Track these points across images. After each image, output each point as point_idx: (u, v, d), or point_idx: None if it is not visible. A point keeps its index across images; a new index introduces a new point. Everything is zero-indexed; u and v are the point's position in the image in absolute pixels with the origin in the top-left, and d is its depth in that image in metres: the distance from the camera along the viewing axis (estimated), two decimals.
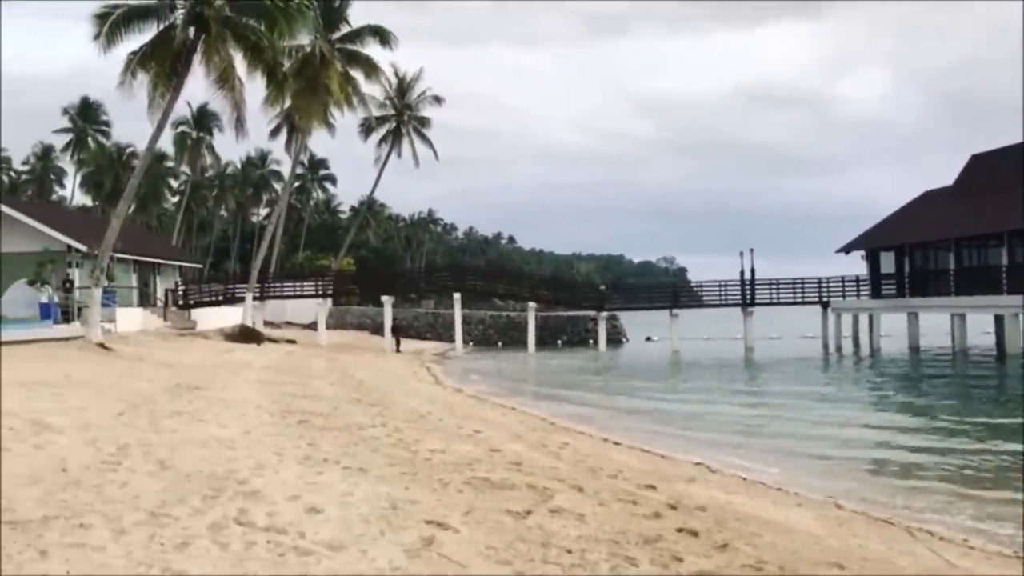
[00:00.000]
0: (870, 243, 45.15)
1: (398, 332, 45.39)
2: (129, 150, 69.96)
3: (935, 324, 41.94)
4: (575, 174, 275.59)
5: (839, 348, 44.09)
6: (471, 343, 50.90)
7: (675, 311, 45.91)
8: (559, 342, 52.31)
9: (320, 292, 48.52)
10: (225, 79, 31.02)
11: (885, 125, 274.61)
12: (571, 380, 30.28)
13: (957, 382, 28.65)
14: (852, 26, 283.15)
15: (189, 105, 67.29)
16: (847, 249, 46.02)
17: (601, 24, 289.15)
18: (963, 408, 21.28)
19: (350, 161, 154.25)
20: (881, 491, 11.56)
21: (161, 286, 46.60)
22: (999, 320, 38.07)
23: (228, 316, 43.76)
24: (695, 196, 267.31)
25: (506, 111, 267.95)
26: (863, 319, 45.30)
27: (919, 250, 42.15)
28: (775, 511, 9.32)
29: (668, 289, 54.48)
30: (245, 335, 37.57)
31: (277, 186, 79.99)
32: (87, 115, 73.75)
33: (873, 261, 45.12)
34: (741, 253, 46.70)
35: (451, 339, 47.19)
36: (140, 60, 30.12)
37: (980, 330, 41.26)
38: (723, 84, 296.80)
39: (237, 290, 47.11)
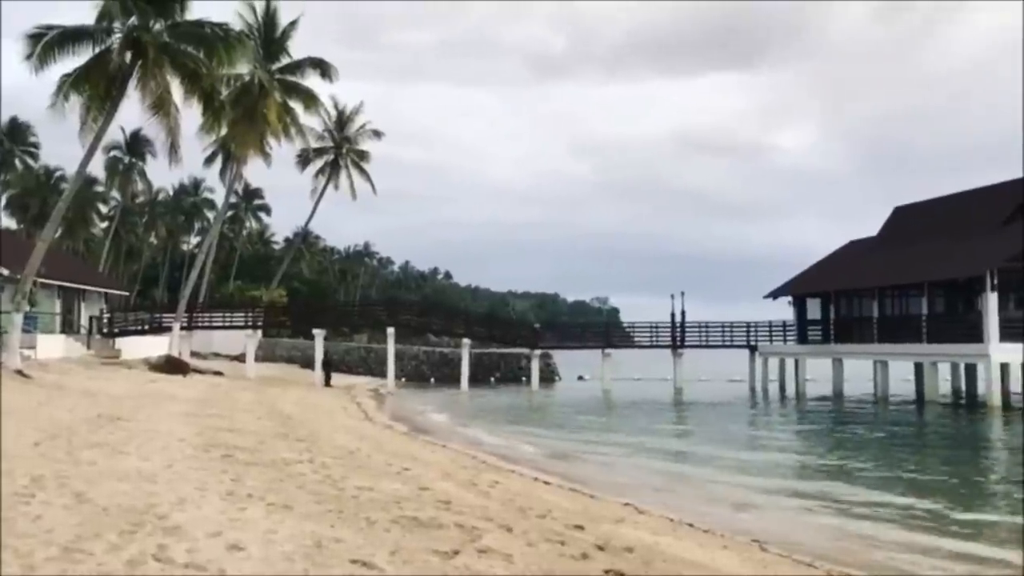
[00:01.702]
0: (797, 289, 46.20)
1: (329, 366, 44.80)
2: (58, 173, 68.30)
3: (859, 370, 42.97)
4: (514, 212, 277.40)
5: (765, 392, 44.89)
6: (403, 379, 50.51)
7: (607, 351, 46.32)
8: (492, 379, 52.24)
9: (250, 323, 47.71)
10: (161, 105, 30.64)
11: (814, 175, 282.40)
12: (504, 417, 30.28)
13: (878, 431, 29.29)
14: (783, 78, 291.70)
15: (122, 130, 66.11)
16: (775, 295, 47.01)
17: (543, 67, 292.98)
18: (882, 456, 21.80)
19: (286, 192, 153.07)
20: (806, 534, 11.75)
21: (86, 313, 45.36)
22: (919, 368, 39.18)
23: (154, 345, 42.76)
24: (629, 238, 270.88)
25: (448, 148, 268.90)
26: (789, 364, 46.21)
27: (844, 298, 43.24)
28: (701, 553, 9.40)
29: (601, 329, 54.91)
30: (171, 365, 36.73)
31: (210, 214, 78.74)
32: (15, 136, 71.77)
33: (800, 307, 46.14)
34: (672, 295, 47.48)
35: (383, 374, 46.77)
36: (74, 82, 29.58)
37: (901, 377, 42.40)
38: (659, 130, 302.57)
39: (164, 319, 46.10)
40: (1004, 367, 34.87)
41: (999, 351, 32.67)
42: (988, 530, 12.38)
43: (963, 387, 41.25)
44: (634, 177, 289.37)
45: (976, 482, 17.36)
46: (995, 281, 32.86)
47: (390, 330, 45.71)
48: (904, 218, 44.36)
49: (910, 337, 37.13)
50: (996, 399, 32.54)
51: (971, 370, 40.31)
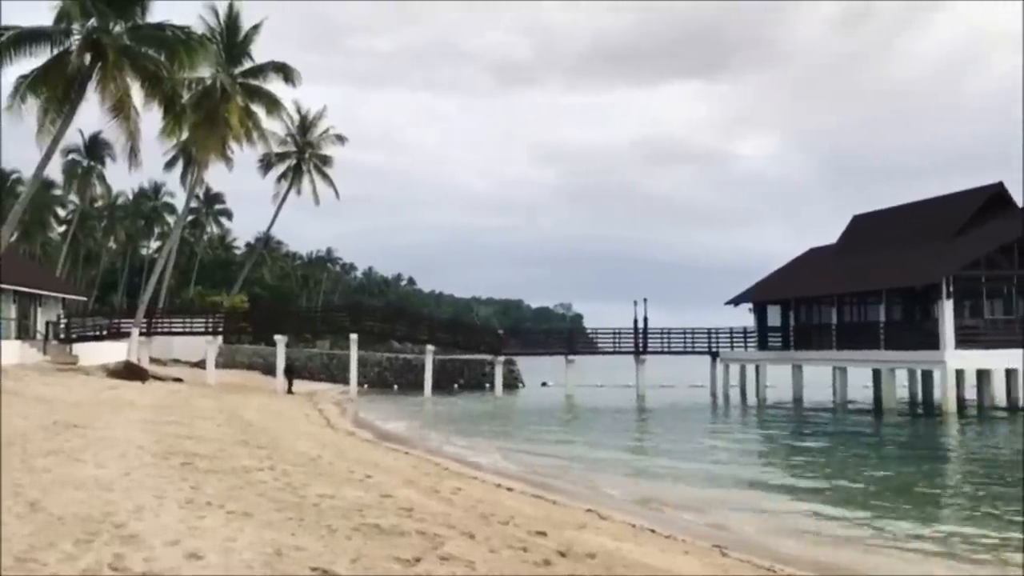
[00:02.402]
0: (758, 296, 46.70)
1: (291, 373, 44.47)
2: (14, 176, 67.07)
3: (818, 376, 43.51)
4: (478, 218, 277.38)
5: (726, 397, 45.28)
6: (366, 385, 50.27)
7: (571, 357, 46.49)
8: (456, 386, 52.16)
9: (210, 329, 47.22)
10: (120, 108, 30.32)
11: (775, 183, 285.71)
12: (467, 424, 30.27)
13: (836, 438, 29.64)
14: (745, 87, 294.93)
15: (81, 133, 65.18)
16: (736, 301, 47.47)
17: (508, 75, 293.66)
18: (846, 465, 22.07)
19: (247, 196, 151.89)
20: (766, 539, 11.88)
21: (42, 318, 44.60)
22: (877, 374, 39.79)
23: (113, 352, 42.13)
24: (593, 244, 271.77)
25: (412, 154, 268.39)
26: (750, 370, 46.67)
27: (804, 305, 43.79)
28: (662, 558, 9.45)
29: (564, 335, 55.03)
30: (129, 372, 36.20)
31: (170, 219, 77.84)
32: None
33: (760, 314, 46.65)
34: (635, 302, 47.82)
35: (346, 381, 46.48)
36: (31, 84, 29.19)
37: (859, 383, 42.98)
38: (623, 137, 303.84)
39: (123, 325, 45.46)
40: (959, 373, 35.53)
41: (954, 358, 33.27)
42: (951, 539, 12.57)
43: (920, 393, 41.95)
44: (598, 184, 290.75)
45: (931, 491, 17.62)
46: (951, 289, 33.48)
47: (353, 336, 45.46)
48: (862, 227, 45.05)
49: (868, 344, 37.69)
50: (952, 405, 33.12)
51: (927, 376, 41.04)
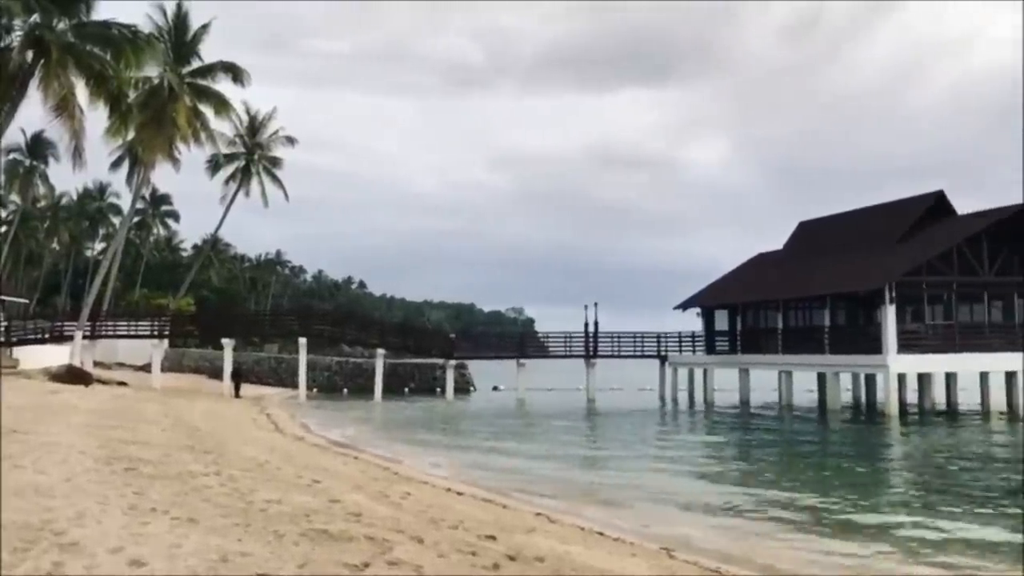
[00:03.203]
0: (706, 301, 47.23)
1: (238, 377, 43.93)
2: None
3: (764, 380, 44.14)
4: (431, 222, 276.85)
5: (675, 401, 45.72)
6: (316, 389, 49.83)
7: (522, 361, 46.56)
8: (406, 390, 51.92)
9: (156, 333, 46.47)
10: (64, 107, 29.76)
11: (724, 189, 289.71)
12: (417, 428, 30.18)
13: (782, 440, 30.08)
14: (695, 95, 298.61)
15: (23, 131, 63.79)
16: (684, 306, 47.97)
17: (461, 79, 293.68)
18: (786, 467, 22.41)
19: (195, 198, 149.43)
20: (713, 541, 12.03)
21: None
22: (821, 378, 40.48)
23: (55, 355, 41.29)
24: (545, 249, 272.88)
25: (364, 156, 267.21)
26: (698, 373, 47.18)
27: (751, 309, 44.39)
28: (610, 561, 9.52)
29: (516, 339, 55.09)
30: (72, 376, 35.48)
31: (115, 220, 76.53)
32: None
33: (708, 318, 47.18)
34: (586, 306, 48.10)
35: (295, 385, 46.04)
36: None
37: (804, 387, 43.71)
38: (575, 143, 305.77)
39: (66, 328, 44.55)
40: (901, 377, 36.28)
41: (897, 362, 33.97)
42: (881, 534, 12.84)
43: (863, 397, 42.77)
44: (550, 189, 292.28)
45: (873, 490, 17.98)
46: (893, 294, 34.18)
47: (302, 340, 45.04)
48: (808, 233, 45.83)
49: (813, 348, 38.33)
50: (894, 408, 33.80)
51: (871, 380, 41.86)
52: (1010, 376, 36.80)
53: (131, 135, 42.48)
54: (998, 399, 36.50)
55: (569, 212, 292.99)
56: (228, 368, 44.38)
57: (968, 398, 38.69)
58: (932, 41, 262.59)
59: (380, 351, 46.15)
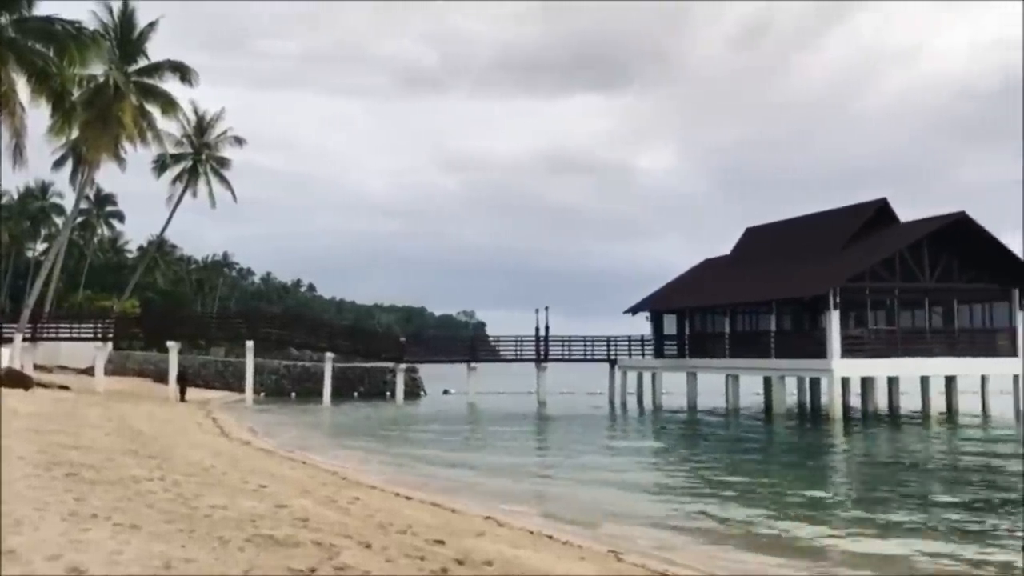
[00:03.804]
0: (655, 305, 47.63)
1: (184, 380, 43.25)
2: None
3: (712, 384, 44.64)
4: (381, 224, 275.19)
5: (624, 404, 46.05)
6: (263, 393, 49.27)
7: (473, 364, 46.51)
8: (356, 394, 51.55)
9: (100, 335, 45.55)
10: (5, 104, 29.12)
11: (674, 195, 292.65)
12: (365, 433, 30.01)
13: (728, 442, 30.45)
14: (646, 101, 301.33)
15: None
16: (634, 310, 48.32)
17: (413, 81, 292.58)
18: (736, 469, 22.68)
19: (141, 198, 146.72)
20: (664, 543, 12.13)
21: None
22: (767, 382, 41.08)
23: None
24: (497, 252, 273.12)
25: (315, 158, 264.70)
26: (647, 377, 47.57)
27: (699, 314, 44.86)
28: (559, 564, 9.56)
29: (467, 342, 55.02)
30: (11, 379, 34.57)
31: (58, 220, 74.79)
32: None
33: (657, 322, 47.58)
34: (537, 310, 48.21)
35: (242, 389, 45.46)
36: None
37: (751, 390, 44.30)
38: (526, 147, 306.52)
39: (5, 330, 43.44)
40: (845, 381, 36.94)
41: (841, 366, 34.57)
42: (839, 539, 13.06)
43: (808, 400, 43.48)
44: (502, 193, 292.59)
45: (818, 494, 18.27)
46: (837, 300, 34.80)
47: (249, 343, 44.49)
48: (755, 239, 46.49)
49: (759, 352, 38.88)
50: (838, 412, 34.38)
51: (815, 384, 42.57)
52: (950, 380, 37.72)
53: (75, 134, 41.67)
54: (938, 403, 37.40)
55: (521, 216, 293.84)
56: (173, 371, 43.70)
57: (909, 402, 39.57)
58: (879, 50, 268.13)
59: (329, 355, 45.77)
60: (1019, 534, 13.15)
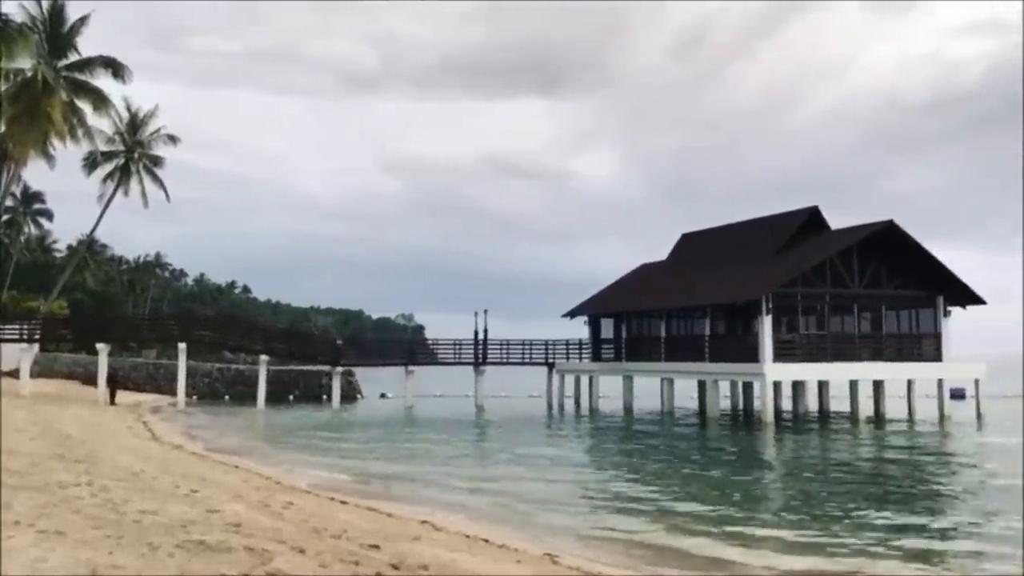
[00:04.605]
0: (593, 309, 47.99)
1: (114, 383, 42.24)
2: None
3: (648, 387, 45.12)
4: (319, 226, 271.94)
5: (562, 407, 46.29)
6: (196, 396, 48.41)
7: (411, 368, 46.31)
8: (291, 397, 50.94)
9: (26, 337, 44.27)
10: None
11: (613, 200, 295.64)
12: (300, 436, 29.69)
13: (661, 446, 30.78)
14: (587, 107, 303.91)
15: None
16: (572, 314, 48.63)
17: (355, 82, 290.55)
18: (668, 471, 22.95)
19: (70, 196, 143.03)
20: (595, 548, 12.22)
21: None
22: (701, 385, 41.67)
23: None
24: (437, 255, 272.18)
25: (252, 158, 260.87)
26: (584, 380, 47.89)
27: (636, 318, 45.31)
28: (495, 568, 9.59)
29: (405, 346, 54.76)
30: None
31: None
32: None
33: (595, 326, 47.94)
34: (476, 313, 48.22)
35: (174, 392, 44.59)
36: None
37: (686, 393, 44.90)
38: (468, 151, 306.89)
39: None
40: (777, 385, 37.67)
41: (772, 370, 35.23)
42: (761, 540, 13.31)
43: (741, 403, 44.22)
44: (442, 196, 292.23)
45: (750, 494, 18.60)
46: (770, 305, 35.48)
47: (181, 345, 43.68)
48: (690, 244, 47.16)
49: (694, 356, 39.44)
50: (769, 415, 35.03)
51: (748, 387, 43.32)
52: (877, 384, 38.70)
53: (1, 129, 40.48)
54: (866, 406, 38.36)
55: (461, 219, 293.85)
56: (103, 374, 42.68)
57: (839, 405, 40.49)
58: (812, 63, 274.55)
59: (263, 357, 45.16)
60: (932, 533, 13.58)
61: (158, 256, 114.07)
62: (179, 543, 8.30)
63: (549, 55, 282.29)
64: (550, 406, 46.85)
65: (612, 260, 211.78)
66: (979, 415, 36.86)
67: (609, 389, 47.02)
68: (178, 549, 8.01)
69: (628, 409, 42.83)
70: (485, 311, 48.13)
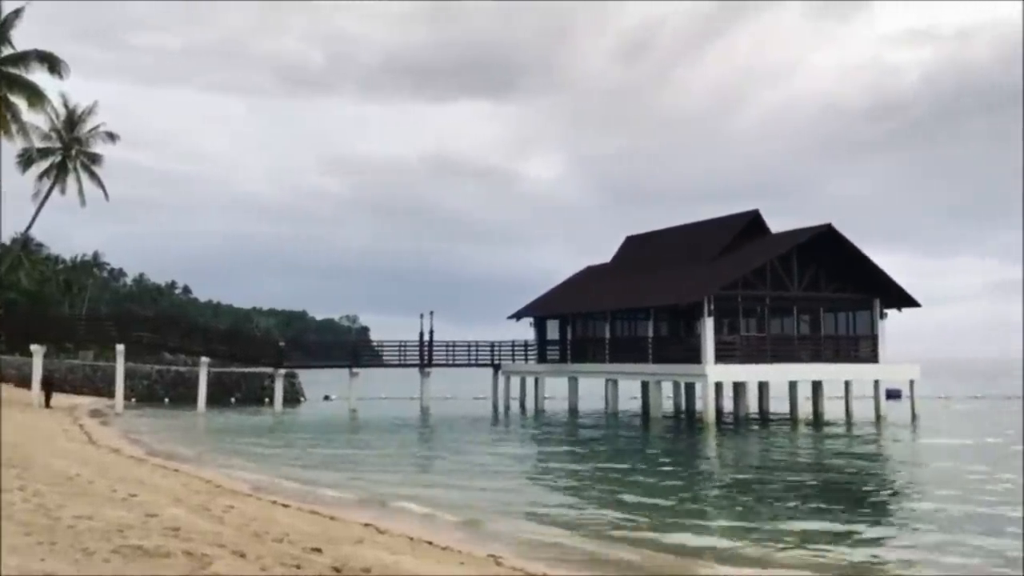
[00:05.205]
0: (538, 311, 48.17)
1: (49, 385, 41.19)
2: None
3: (592, 388, 45.39)
4: (263, 227, 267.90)
5: (507, 409, 46.36)
6: (135, 399, 47.47)
7: (355, 370, 45.94)
8: (233, 400, 50.23)
9: None
10: None
11: (558, 202, 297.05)
12: (240, 439, 29.33)
13: (605, 446, 30.99)
14: (533, 110, 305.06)
15: None
16: (518, 316, 48.76)
17: (297, 81, 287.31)
18: (612, 472, 23.11)
19: (4, 194, 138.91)
20: (536, 550, 12.26)
21: None
22: (645, 386, 42.07)
23: None
24: (381, 256, 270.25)
25: (193, 157, 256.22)
26: (530, 382, 48.02)
27: (580, 320, 45.60)
28: (438, 570, 9.59)
29: (349, 347, 54.32)
30: None
31: None
32: None
33: (540, 328, 48.13)
34: (421, 315, 47.98)
35: (112, 394, 43.64)
36: None
37: (630, 394, 45.27)
38: (414, 152, 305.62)
39: None
40: (718, 386, 38.18)
41: (714, 371, 35.69)
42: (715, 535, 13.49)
43: (683, 404, 44.72)
44: (388, 196, 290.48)
45: (690, 494, 18.83)
46: (711, 307, 35.95)
47: (120, 347, 42.78)
48: (635, 247, 47.60)
49: (637, 357, 39.79)
50: (711, 415, 35.49)
51: (690, 388, 43.84)
52: (816, 385, 39.46)
53: None
54: (805, 407, 39.09)
55: (407, 220, 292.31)
56: (37, 376, 41.61)
57: (779, 406, 41.18)
58: (755, 69, 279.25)
59: (204, 359, 44.45)
60: (860, 531, 13.88)
61: (96, 256, 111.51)
62: (115, 548, 8.14)
63: (495, 57, 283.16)
64: (495, 408, 46.88)
65: (558, 262, 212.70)
66: (914, 416, 37.75)
67: (554, 390, 47.20)
68: (114, 554, 7.86)
69: (573, 410, 43.06)
70: (431, 313, 48.01)
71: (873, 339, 39.16)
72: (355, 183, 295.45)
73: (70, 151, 56.25)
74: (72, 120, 56.29)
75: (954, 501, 16.42)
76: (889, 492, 19.23)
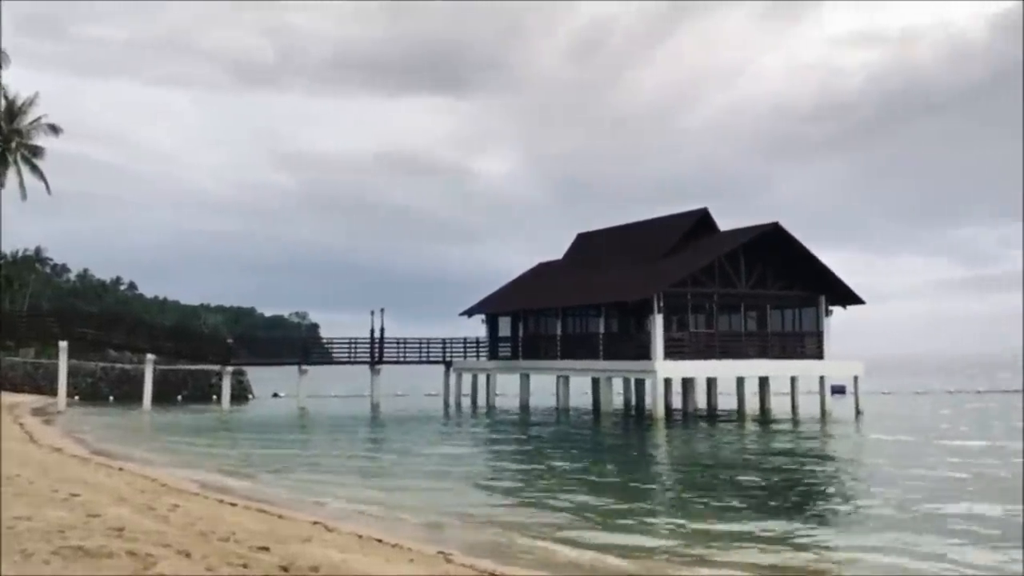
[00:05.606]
0: (490, 308, 48.17)
1: None
2: None
3: (544, 384, 45.53)
4: (210, 222, 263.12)
5: (459, 406, 46.32)
6: (78, 397, 46.54)
7: (304, 367, 45.54)
8: (179, 397, 49.50)
9: None
10: None
11: (511, 200, 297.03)
12: (187, 437, 28.92)
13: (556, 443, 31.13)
14: (486, 106, 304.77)
15: None
16: (469, 313, 48.71)
17: (247, 75, 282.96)
18: (564, 469, 23.21)
19: None
20: (485, 545, 12.27)
21: None
22: (596, 382, 42.32)
23: None
24: (332, 253, 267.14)
25: (139, 150, 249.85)
26: (481, 379, 48.03)
27: (532, 316, 45.70)
28: (388, 567, 9.55)
29: (299, 344, 53.83)
30: None
31: None
32: None
33: (492, 325, 48.15)
34: (372, 312, 47.71)
35: (54, 392, 42.76)
36: None
37: (581, 390, 45.50)
38: (366, 147, 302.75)
39: None
40: (668, 382, 38.54)
41: (664, 367, 36.01)
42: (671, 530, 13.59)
43: (634, 400, 45.08)
44: (339, 192, 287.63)
45: (642, 488, 18.97)
46: (661, 304, 36.26)
47: (63, 344, 41.92)
48: (586, 244, 47.84)
49: (588, 354, 40.01)
50: (661, 411, 35.78)
51: (640, 384, 44.20)
52: (763, 381, 40.02)
53: None
54: (752, 402, 39.63)
55: (358, 216, 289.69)
56: None
57: (727, 402, 41.71)
58: (704, 70, 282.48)
59: (150, 356, 43.75)
60: (800, 531, 14.05)
61: (38, 251, 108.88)
62: (55, 549, 7.98)
63: (448, 54, 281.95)
64: (447, 404, 46.83)
65: (510, 258, 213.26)
66: (858, 411, 38.44)
67: (506, 387, 47.27)
68: (54, 556, 7.70)
69: (524, 407, 43.16)
70: (382, 310, 47.75)
71: (819, 336, 39.81)
72: (307, 179, 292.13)
73: (10, 143, 54.99)
74: (12, 111, 55.03)
75: (894, 499, 16.59)
76: (833, 490, 19.48)
